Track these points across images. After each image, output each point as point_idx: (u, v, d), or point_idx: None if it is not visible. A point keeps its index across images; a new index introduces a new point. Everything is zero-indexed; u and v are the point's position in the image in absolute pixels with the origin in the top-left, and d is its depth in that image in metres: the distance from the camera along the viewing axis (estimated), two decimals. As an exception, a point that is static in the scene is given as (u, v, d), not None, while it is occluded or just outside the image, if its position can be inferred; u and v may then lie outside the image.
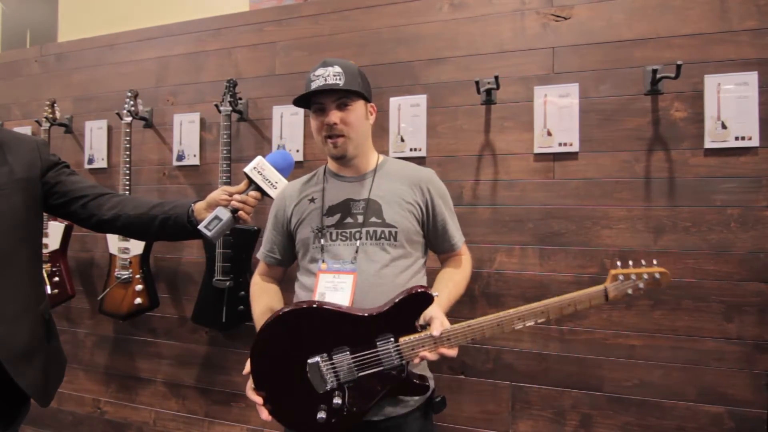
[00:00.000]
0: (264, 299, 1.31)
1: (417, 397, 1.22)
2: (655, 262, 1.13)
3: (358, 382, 1.09)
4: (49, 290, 2.15)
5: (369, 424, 1.16)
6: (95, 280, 2.40)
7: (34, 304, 1.18)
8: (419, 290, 1.08)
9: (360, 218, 1.21)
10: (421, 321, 1.10)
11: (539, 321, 1.12)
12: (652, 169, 1.62)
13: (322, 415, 1.09)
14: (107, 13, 2.54)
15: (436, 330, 1.06)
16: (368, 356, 1.08)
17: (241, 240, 1.90)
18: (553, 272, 1.70)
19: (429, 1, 1.88)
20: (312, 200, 1.26)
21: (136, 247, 2.08)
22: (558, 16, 1.72)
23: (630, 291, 1.11)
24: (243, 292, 1.90)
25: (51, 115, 2.30)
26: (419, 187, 1.27)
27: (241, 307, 1.91)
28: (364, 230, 1.19)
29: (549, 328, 1.70)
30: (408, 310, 1.09)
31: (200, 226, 1.04)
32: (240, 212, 1.06)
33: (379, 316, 1.09)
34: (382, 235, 1.19)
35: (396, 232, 1.20)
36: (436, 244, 1.31)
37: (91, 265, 2.41)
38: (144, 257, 2.10)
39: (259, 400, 1.13)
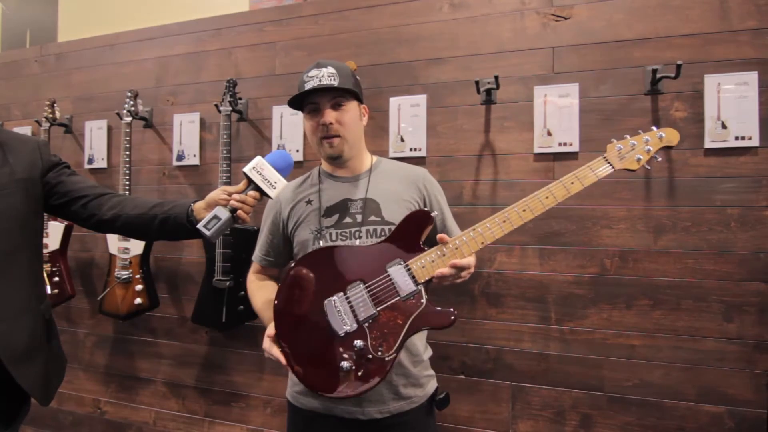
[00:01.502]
0: (264, 291, 1.30)
1: (422, 393, 1.22)
2: (654, 128, 1.12)
3: (377, 319, 1.07)
4: (49, 290, 2.15)
5: (373, 422, 1.16)
6: (95, 280, 2.40)
7: (35, 304, 1.18)
8: (416, 209, 1.13)
9: (359, 217, 1.21)
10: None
11: (546, 207, 1.07)
12: (652, 169, 1.62)
13: (345, 363, 1.05)
14: (107, 13, 2.54)
15: (441, 240, 1.08)
16: (382, 285, 1.08)
17: (241, 240, 1.90)
18: (553, 272, 1.70)
19: (429, 1, 1.88)
20: (309, 202, 1.26)
21: (136, 247, 2.08)
22: (558, 16, 1.72)
23: (640, 156, 1.08)
24: (243, 292, 1.90)
25: (51, 115, 2.30)
26: (416, 185, 1.28)
27: (241, 307, 1.90)
28: (363, 229, 1.20)
29: (549, 328, 1.71)
30: (409, 231, 1.11)
31: (199, 226, 1.05)
32: (239, 212, 1.07)
33: (384, 243, 1.12)
34: (382, 233, 1.20)
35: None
36: (434, 240, 1.31)
37: (91, 265, 2.41)
38: (144, 257, 2.10)
39: (279, 356, 1.11)
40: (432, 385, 1.27)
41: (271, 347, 1.13)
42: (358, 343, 1.05)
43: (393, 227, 1.20)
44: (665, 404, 1.59)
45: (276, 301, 1.14)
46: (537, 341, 1.72)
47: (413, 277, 1.07)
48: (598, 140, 1.67)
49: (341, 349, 1.07)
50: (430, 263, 1.07)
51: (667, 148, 1.12)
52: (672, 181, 1.60)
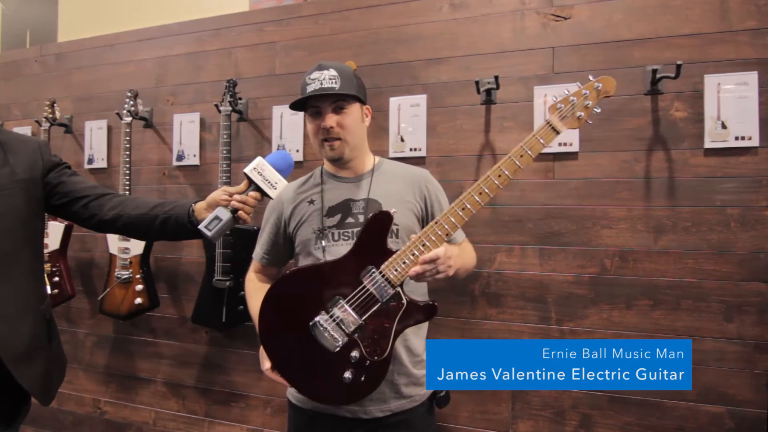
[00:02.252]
0: (261, 295, 1.31)
1: (423, 391, 1.23)
2: (591, 77, 1.09)
3: (365, 328, 1.08)
4: (49, 290, 2.15)
5: (374, 421, 1.17)
6: (95, 280, 2.40)
7: (36, 304, 1.19)
8: (374, 213, 1.13)
9: (361, 218, 1.22)
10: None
11: (501, 185, 1.08)
12: (652, 169, 1.62)
13: (348, 374, 1.08)
14: (107, 13, 2.54)
15: (407, 240, 1.09)
16: (361, 296, 1.09)
17: (241, 240, 1.90)
18: (553, 272, 1.70)
19: (429, 1, 1.88)
20: (311, 202, 1.27)
21: (136, 247, 2.08)
22: (558, 16, 1.72)
23: (581, 113, 1.07)
24: (243, 292, 1.90)
25: (51, 115, 2.30)
26: (418, 185, 1.28)
27: (241, 307, 1.91)
28: None
29: (549, 328, 1.71)
30: (373, 235, 1.11)
31: (200, 226, 1.05)
32: (240, 212, 1.07)
33: (352, 253, 1.12)
34: None
35: (397, 230, 1.21)
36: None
37: (91, 265, 2.41)
38: (144, 257, 2.10)
39: (283, 380, 1.15)
40: None
41: (273, 375, 1.17)
42: (354, 354, 1.08)
43: (395, 227, 1.21)
44: (665, 404, 1.59)
45: (260, 333, 1.15)
46: (537, 341, 1.72)
47: (389, 281, 1.08)
48: (598, 140, 1.67)
49: (339, 363, 1.09)
50: (402, 265, 1.07)
51: (606, 98, 1.10)
52: (672, 181, 1.60)
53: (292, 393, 1.27)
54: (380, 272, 1.08)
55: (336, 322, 1.09)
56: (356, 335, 1.08)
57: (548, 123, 1.08)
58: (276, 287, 1.15)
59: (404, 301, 1.09)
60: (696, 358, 1.56)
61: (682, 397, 1.57)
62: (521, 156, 1.07)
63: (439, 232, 1.07)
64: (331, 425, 1.19)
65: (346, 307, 1.09)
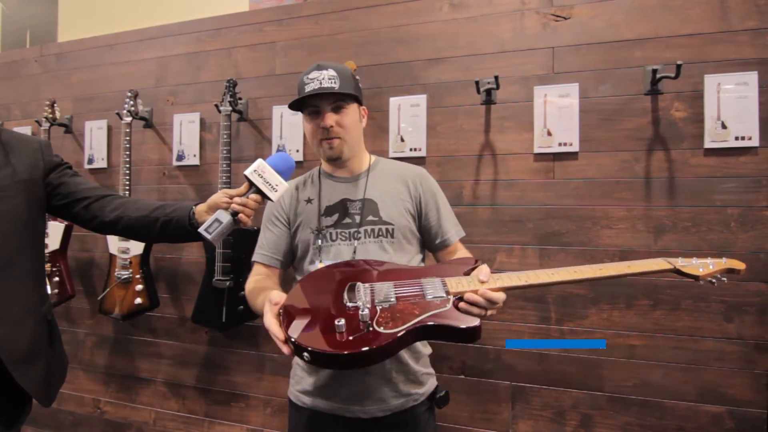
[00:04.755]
0: (261, 283, 1.24)
1: (422, 390, 1.22)
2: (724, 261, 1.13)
3: (393, 306, 0.98)
4: (48, 290, 2.15)
5: (374, 421, 1.16)
6: (95, 280, 2.40)
7: (37, 305, 1.19)
8: (470, 261, 1.12)
9: (357, 218, 1.22)
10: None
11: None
12: (652, 169, 1.62)
13: (341, 322, 0.93)
14: (107, 13, 2.54)
15: (482, 274, 1.01)
16: (410, 286, 1.03)
17: (241, 240, 1.90)
18: (553, 272, 1.70)
19: (429, 1, 1.88)
20: (309, 201, 1.27)
21: (136, 247, 2.08)
22: (558, 16, 1.72)
23: (701, 269, 1.13)
24: (243, 292, 1.90)
25: (51, 115, 2.30)
26: (412, 183, 1.28)
27: (241, 307, 1.91)
28: (362, 229, 1.21)
29: (549, 328, 1.71)
30: (454, 268, 1.10)
31: (201, 229, 1.04)
32: (240, 215, 1.07)
33: (426, 266, 1.14)
34: (380, 233, 1.21)
35: (393, 229, 1.21)
36: (429, 240, 1.30)
37: (91, 265, 2.41)
38: (144, 257, 2.10)
39: (280, 334, 0.98)
40: (432, 383, 1.27)
41: (271, 322, 1.00)
42: (364, 313, 0.95)
43: (390, 227, 1.21)
44: (665, 404, 1.59)
45: (303, 278, 1.14)
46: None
47: (445, 287, 1.01)
48: (598, 140, 1.67)
49: (344, 312, 0.98)
50: (467, 282, 1.02)
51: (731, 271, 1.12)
52: (672, 181, 1.60)
53: (292, 392, 1.26)
54: (442, 279, 1.03)
55: (372, 292, 1.02)
56: (380, 307, 0.98)
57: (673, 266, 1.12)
58: (345, 261, 1.17)
59: (449, 305, 0.98)
60: (696, 358, 1.57)
61: (682, 397, 1.57)
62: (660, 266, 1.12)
63: (514, 281, 1.03)
64: (330, 425, 1.19)
65: (391, 286, 1.03)
